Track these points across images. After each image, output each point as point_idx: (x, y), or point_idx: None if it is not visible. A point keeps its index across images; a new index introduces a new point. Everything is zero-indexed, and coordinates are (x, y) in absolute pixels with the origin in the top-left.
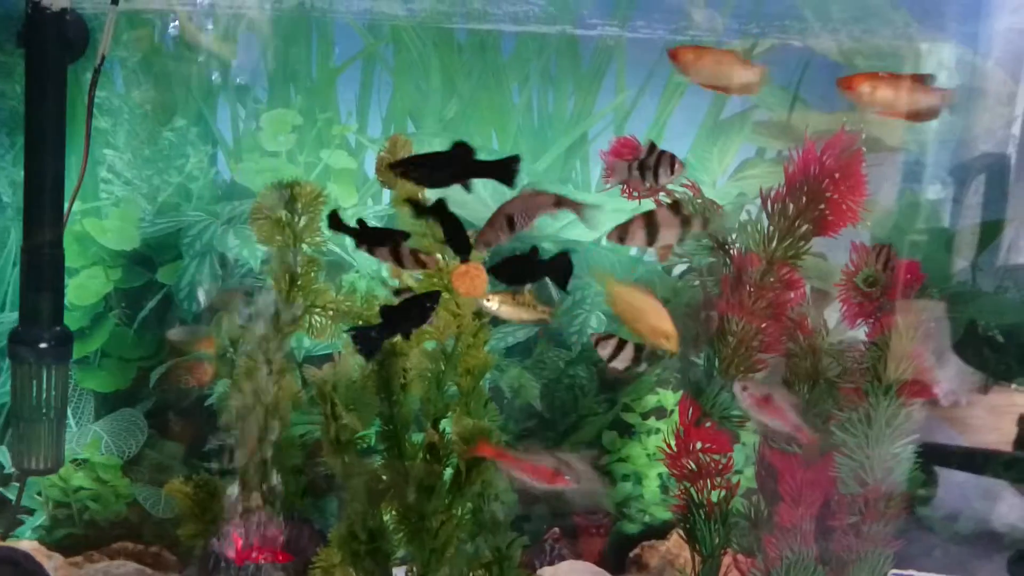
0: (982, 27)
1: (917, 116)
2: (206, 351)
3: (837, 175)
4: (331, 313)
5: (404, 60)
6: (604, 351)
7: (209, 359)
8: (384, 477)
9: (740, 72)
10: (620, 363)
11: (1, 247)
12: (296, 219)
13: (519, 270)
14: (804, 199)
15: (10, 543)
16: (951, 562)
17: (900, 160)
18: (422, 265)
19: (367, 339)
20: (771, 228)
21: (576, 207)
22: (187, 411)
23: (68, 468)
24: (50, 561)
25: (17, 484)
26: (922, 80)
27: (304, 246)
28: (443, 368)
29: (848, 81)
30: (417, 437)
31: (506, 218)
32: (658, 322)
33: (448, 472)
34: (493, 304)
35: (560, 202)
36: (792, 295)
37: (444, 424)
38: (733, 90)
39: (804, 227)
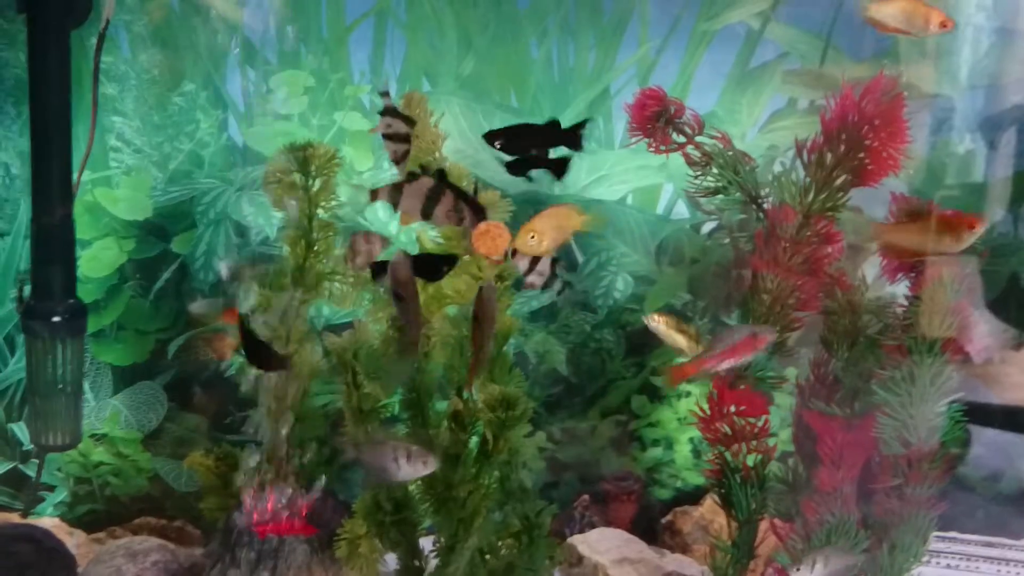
0: None
1: None
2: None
3: (877, 121)
4: (352, 280)
5: (417, 15)
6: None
7: (230, 331)
8: None
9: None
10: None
11: (12, 220)
12: (311, 182)
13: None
14: (842, 147)
15: (31, 520)
16: (994, 523)
17: (936, 107)
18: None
19: None
20: (807, 179)
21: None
22: (208, 383)
23: (88, 443)
24: (72, 538)
25: (37, 461)
26: None
27: (320, 210)
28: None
29: None
30: (441, 405)
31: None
32: (567, 221)
33: (474, 440)
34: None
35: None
36: (830, 250)
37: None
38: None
39: (842, 177)
